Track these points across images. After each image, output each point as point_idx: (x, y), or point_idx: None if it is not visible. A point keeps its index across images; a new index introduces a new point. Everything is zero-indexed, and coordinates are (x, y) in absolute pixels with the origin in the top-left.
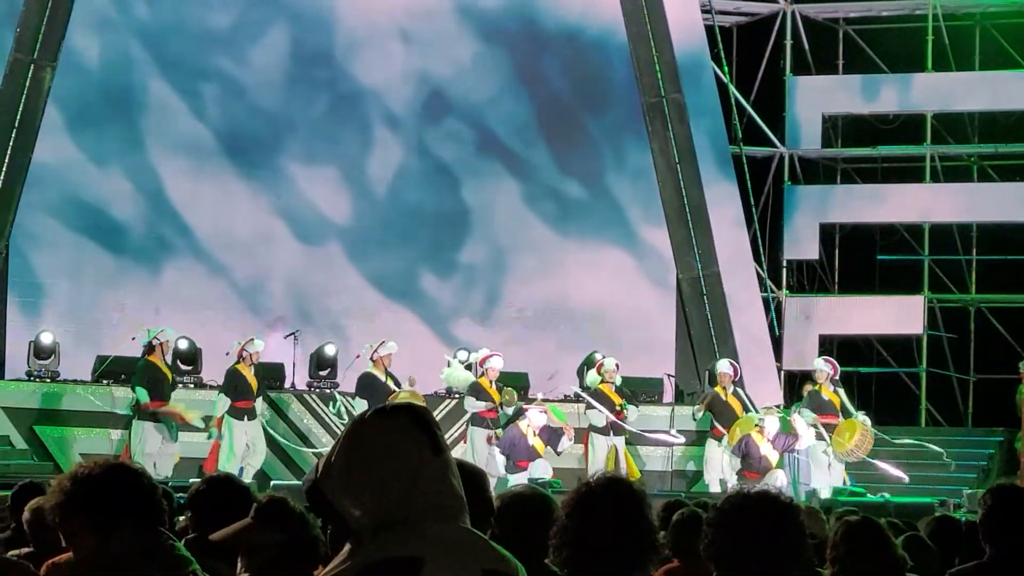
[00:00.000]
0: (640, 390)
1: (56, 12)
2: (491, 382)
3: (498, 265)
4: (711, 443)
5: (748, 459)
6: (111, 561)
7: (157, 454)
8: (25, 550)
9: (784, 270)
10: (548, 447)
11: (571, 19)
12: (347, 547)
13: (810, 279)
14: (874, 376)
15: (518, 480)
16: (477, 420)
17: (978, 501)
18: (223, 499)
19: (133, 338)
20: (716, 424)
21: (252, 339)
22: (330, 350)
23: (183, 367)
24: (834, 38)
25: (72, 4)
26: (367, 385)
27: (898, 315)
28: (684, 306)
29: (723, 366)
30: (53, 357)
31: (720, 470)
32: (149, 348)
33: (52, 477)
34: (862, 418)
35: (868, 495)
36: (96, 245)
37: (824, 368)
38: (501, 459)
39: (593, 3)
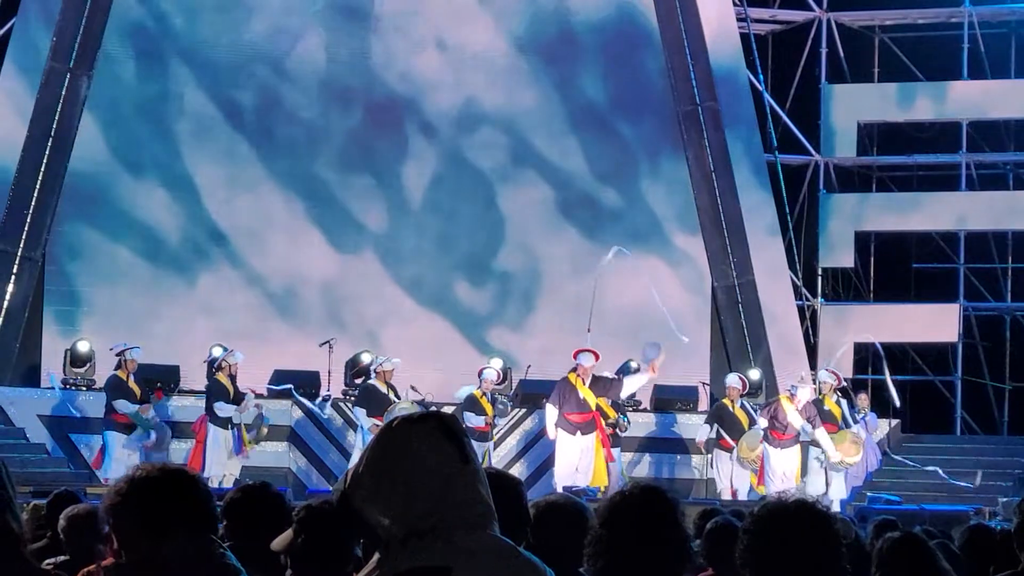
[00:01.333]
0: (675, 398)
1: (92, 21)
2: (484, 394)
3: (533, 273)
4: (719, 454)
5: (775, 421)
6: (162, 565)
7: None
8: (61, 558)
9: (819, 278)
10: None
11: (606, 27)
12: (376, 556)
13: (845, 287)
14: (909, 384)
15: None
16: (470, 434)
17: (1013, 510)
18: (258, 507)
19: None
20: (724, 436)
21: (232, 351)
22: (365, 358)
23: None
24: (870, 46)
25: (108, 13)
26: (367, 396)
27: (933, 323)
28: (719, 314)
29: (732, 379)
30: (89, 365)
31: (729, 481)
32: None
33: (88, 486)
34: (856, 430)
35: (903, 503)
36: (132, 253)
37: (828, 379)
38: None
39: (628, 11)
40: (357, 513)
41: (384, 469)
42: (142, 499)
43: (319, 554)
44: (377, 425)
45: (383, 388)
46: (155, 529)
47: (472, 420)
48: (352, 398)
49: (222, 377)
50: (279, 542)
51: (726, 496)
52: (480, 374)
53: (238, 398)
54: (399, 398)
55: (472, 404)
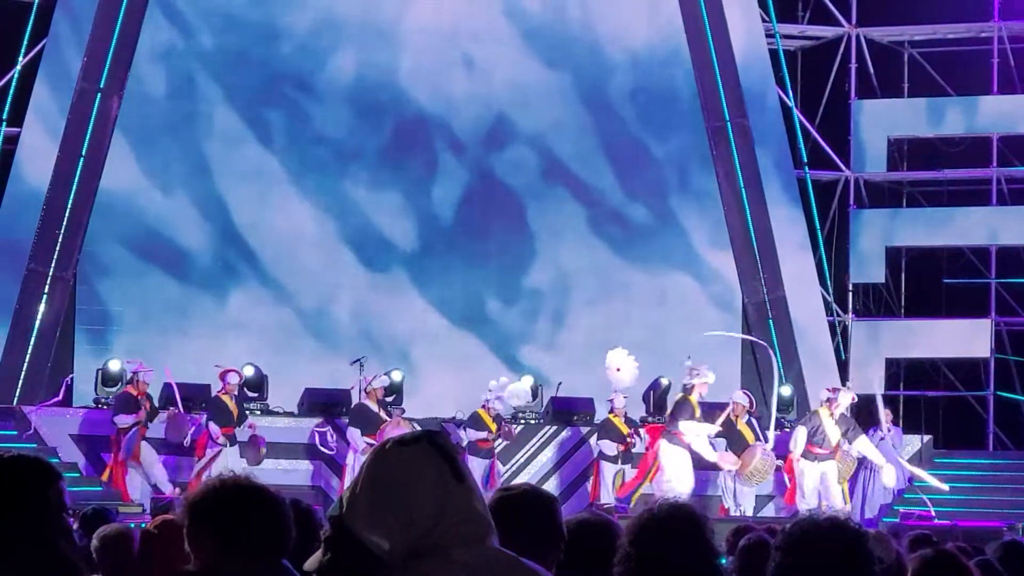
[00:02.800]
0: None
1: (123, 41)
2: (489, 411)
3: (563, 290)
4: (725, 471)
5: (813, 436)
6: None
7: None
8: None
9: (850, 294)
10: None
11: (635, 44)
12: None
13: (876, 303)
14: (941, 400)
15: None
16: (473, 449)
17: None
18: None
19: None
20: (729, 452)
21: (232, 371)
22: (395, 376)
23: (250, 394)
24: (899, 61)
25: (139, 33)
26: (360, 416)
27: (965, 338)
28: (750, 330)
29: (737, 396)
30: (120, 384)
31: (732, 498)
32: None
33: (120, 504)
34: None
35: (935, 518)
36: (163, 272)
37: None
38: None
39: (657, 28)
40: (354, 537)
41: (378, 491)
42: (215, 509)
43: (346, 572)
44: (370, 444)
45: (374, 407)
46: (224, 541)
47: (473, 435)
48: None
49: (224, 397)
50: (311, 563)
51: (734, 513)
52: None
53: (241, 418)
54: (390, 416)
55: (475, 421)
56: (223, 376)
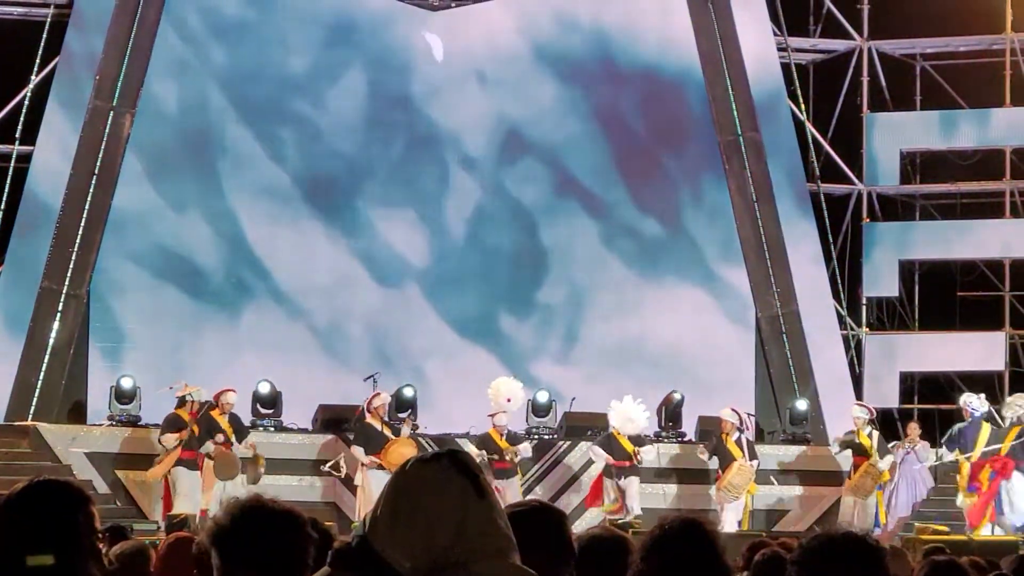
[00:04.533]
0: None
1: (135, 59)
2: (501, 435)
3: (576, 305)
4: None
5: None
6: None
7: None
8: None
9: (864, 307)
10: None
11: (648, 58)
12: None
13: (890, 316)
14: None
15: None
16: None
17: None
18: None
19: (170, 387)
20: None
21: (198, 388)
22: (408, 392)
23: (263, 411)
24: (911, 74)
25: (151, 51)
26: (363, 434)
27: (980, 351)
28: (763, 345)
29: (724, 413)
30: (135, 401)
31: (718, 513)
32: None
33: (135, 522)
34: (876, 463)
35: (952, 532)
36: (176, 290)
37: (861, 414)
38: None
39: (669, 42)
40: (377, 556)
41: (400, 510)
42: (245, 531)
43: None
44: (375, 462)
45: (378, 425)
46: (251, 564)
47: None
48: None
49: (215, 414)
50: None
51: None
52: (492, 417)
53: (240, 436)
54: (396, 435)
55: (485, 443)
56: (217, 396)
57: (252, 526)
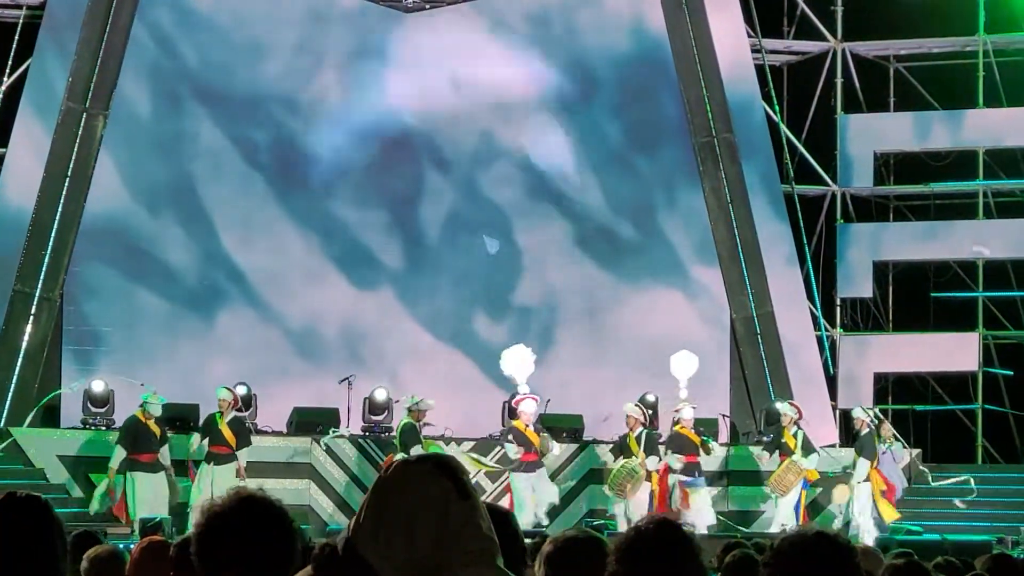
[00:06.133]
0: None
1: (108, 61)
2: (527, 425)
3: (550, 307)
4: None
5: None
6: None
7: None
8: None
9: (838, 308)
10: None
11: (621, 60)
12: None
13: (864, 317)
14: (930, 414)
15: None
16: (516, 465)
17: None
18: None
19: (142, 384)
20: None
21: (155, 393)
22: (379, 395)
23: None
24: (885, 76)
25: (124, 53)
26: (412, 436)
27: (953, 352)
28: (738, 346)
29: (685, 412)
30: (108, 405)
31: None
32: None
33: (108, 526)
34: (799, 460)
35: (925, 533)
36: (149, 292)
37: (789, 412)
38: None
39: (643, 44)
40: (362, 560)
41: (383, 511)
42: (223, 529)
43: None
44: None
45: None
46: (236, 561)
47: (512, 452)
48: (372, 436)
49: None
50: None
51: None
52: (519, 404)
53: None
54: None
55: (517, 435)
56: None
57: (234, 525)
